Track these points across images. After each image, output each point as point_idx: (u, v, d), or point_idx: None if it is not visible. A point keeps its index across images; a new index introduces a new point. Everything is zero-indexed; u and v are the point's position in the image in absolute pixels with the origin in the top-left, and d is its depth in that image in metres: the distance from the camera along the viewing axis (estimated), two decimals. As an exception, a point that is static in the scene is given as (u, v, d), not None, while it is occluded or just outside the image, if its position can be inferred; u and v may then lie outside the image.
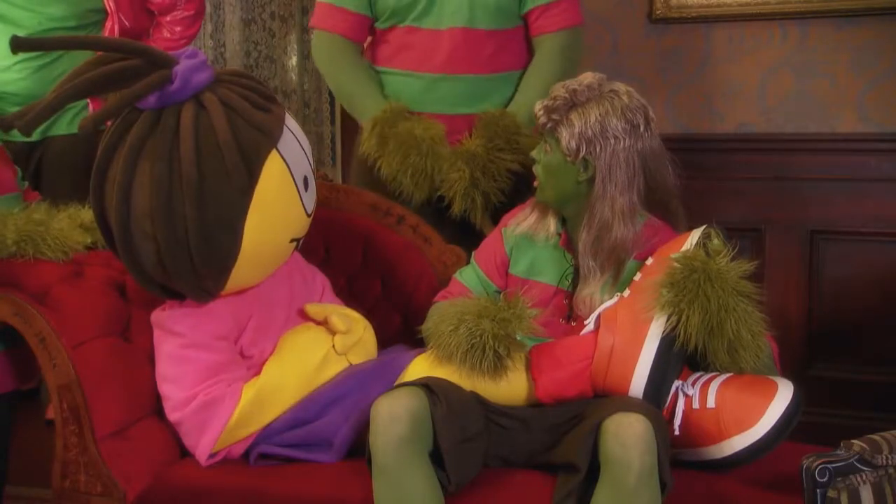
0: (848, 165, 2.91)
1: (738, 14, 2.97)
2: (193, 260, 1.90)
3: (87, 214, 2.25)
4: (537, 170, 2.01)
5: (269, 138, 1.95)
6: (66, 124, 2.81)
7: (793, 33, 2.95)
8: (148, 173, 1.88)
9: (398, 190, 2.41)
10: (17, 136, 2.38)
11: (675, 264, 1.83)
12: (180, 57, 1.96)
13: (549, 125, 1.96)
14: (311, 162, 2.12)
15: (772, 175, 2.96)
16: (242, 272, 1.98)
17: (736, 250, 1.88)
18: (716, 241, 1.88)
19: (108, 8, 2.83)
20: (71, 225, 2.20)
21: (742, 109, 3.02)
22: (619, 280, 1.97)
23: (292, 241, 2.06)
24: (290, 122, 2.07)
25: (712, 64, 3.03)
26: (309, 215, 2.08)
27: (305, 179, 2.04)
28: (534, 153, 2.03)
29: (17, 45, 1.88)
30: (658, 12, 3.02)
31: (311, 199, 2.08)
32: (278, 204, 1.97)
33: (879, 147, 2.89)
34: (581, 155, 1.93)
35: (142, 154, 1.89)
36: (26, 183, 2.44)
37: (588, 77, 1.98)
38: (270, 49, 3.54)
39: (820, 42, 2.92)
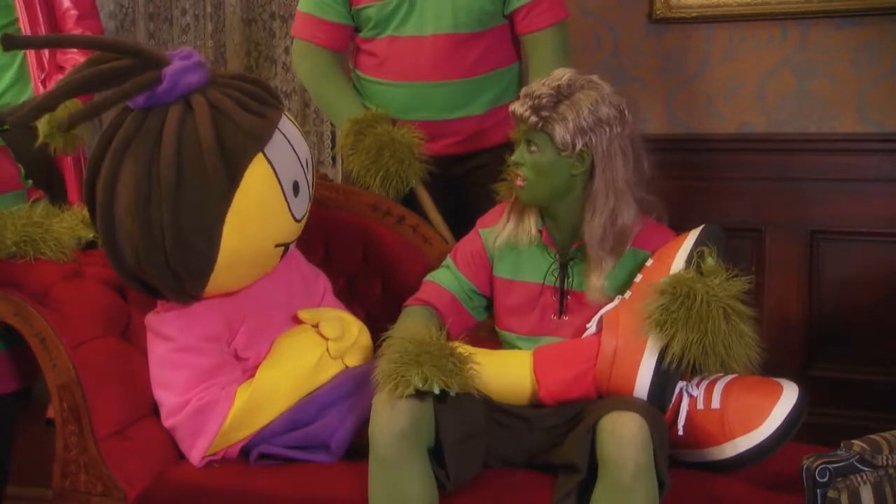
0: (848, 165, 2.90)
1: (738, 14, 2.96)
2: (169, 262, 1.91)
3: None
4: (523, 172, 1.97)
5: (256, 142, 1.94)
6: None
7: (793, 33, 2.94)
8: (130, 173, 1.88)
9: (366, 188, 2.41)
10: None
11: (666, 288, 1.82)
12: (175, 57, 1.96)
13: (539, 123, 1.92)
14: (308, 168, 2.10)
15: (772, 175, 2.96)
16: (223, 276, 1.98)
17: (731, 262, 1.87)
18: (710, 261, 1.87)
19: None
20: (72, 222, 2.20)
21: (742, 109, 3.01)
22: (616, 264, 1.96)
23: (278, 246, 2.05)
24: (288, 126, 2.05)
25: (712, 64, 3.02)
26: (298, 221, 2.07)
27: (296, 185, 2.03)
28: (515, 157, 1.99)
29: (8, 43, 1.89)
30: (658, 12, 3.01)
31: (301, 205, 2.06)
32: (261, 209, 1.96)
33: (879, 147, 2.89)
34: (578, 148, 1.92)
35: (127, 153, 1.90)
36: (30, 181, 2.44)
37: (563, 72, 1.96)
38: (270, 49, 3.53)
39: (820, 42, 2.92)
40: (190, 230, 1.89)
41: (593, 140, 1.91)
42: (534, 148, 1.95)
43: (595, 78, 1.97)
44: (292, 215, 2.03)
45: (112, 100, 1.91)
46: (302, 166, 2.06)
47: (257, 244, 2.00)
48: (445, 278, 2.13)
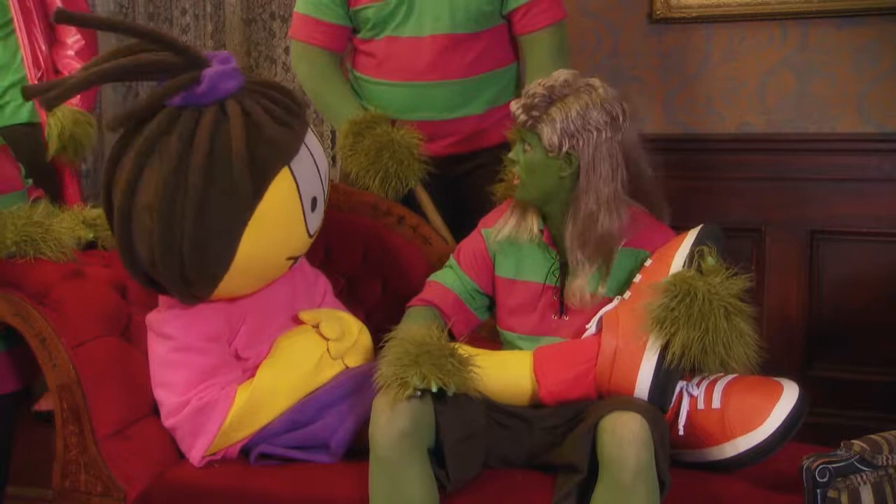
0: (848, 165, 2.90)
1: (738, 14, 2.96)
2: (184, 263, 1.91)
3: (89, 212, 2.26)
4: (517, 170, 1.98)
5: (283, 155, 1.95)
6: (27, 113, 2.81)
7: (793, 33, 2.94)
8: (157, 170, 1.89)
9: (365, 189, 2.42)
10: None
11: (667, 287, 1.82)
12: (213, 60, 1.96)
13: (529, 122, 1.94)
14: (325, 182, 2.11)
15: (772, 175, 2.96)
16: (232, 283, 1.98)
17: (731, 262, 1.87)
18: (710, 260, 1.87)
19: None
20: (72, 223, 2.20)
21: (742, 109, 3.01)
22: (610, 270, 1.97)
23: (289, 259, 2.06)
24: (312, 140, 2.06)
25: (712, 64, 3.02)
26: (311, 236, 2.08)
27: (314, 200, 2.04)
28: (511, 155, 2.01)
29: (60, 17, 1.91)
30: (658, 12, 3.02)
31: (315, 220, 2.07)
32: (280, 222, 1.97)
33: (879, 147, 2.88)
34: (564, 150, 1.92)
35: (155, 149, 1.90)
36: (31, 180, 2.44)
37: (563, 73, 1.97)
38: (270, 49, 3.54)
39: (820, 42, 2.92)
40: (210, 234, 1.89)
41: (580, 143, 1.92)
42: (527, 147, 1.96)
43: (595, 81, 1.97)
44: (307, 230, 2.04)
45: (157, 98, 1.92)
46: (321, 181, 2.07)
47: (271, 256, 2.01)
48: (448, 278, 2.13)
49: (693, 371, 1.85)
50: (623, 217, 1.96)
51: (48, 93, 1.91)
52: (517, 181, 2.00)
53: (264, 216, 1.93)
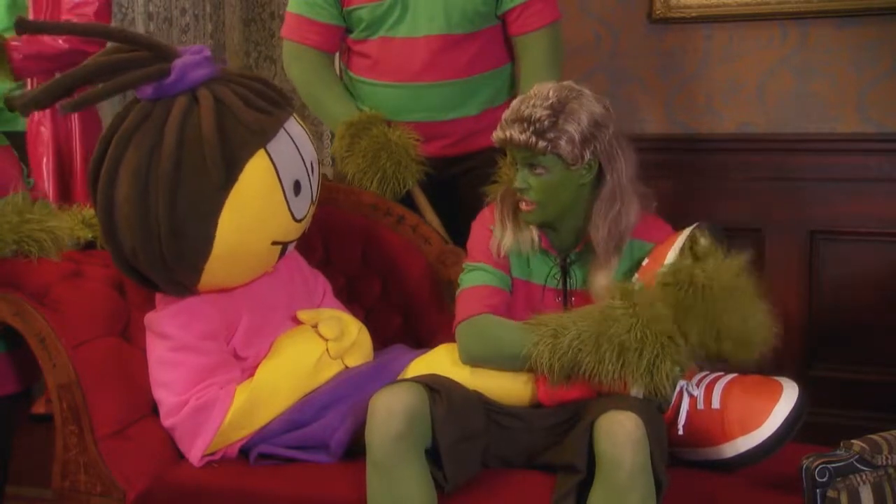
0: (848, 165, 2.91)
1: (738, 14, 2.97)
2: (163, 251, 1.92)
3: (89, 212, 2.26)
4: (530, 195, 1.94)
5: (258, 137, 1.95)
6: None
7: (793, 33, 2.95)
8: (132, 161, 1.90)
9: (364, 189, 2.41)
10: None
11: (665, 280, 1.82)
12: (185, 52, 1.97)
13: (549, 146, 1.89)
14: (314, 171, 2.10)
15: (772, 175, 2.96)
16: (218, 271, 1.98)
17: (728, 247, 1.88)
18: (703, 242, 1.87)
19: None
20: (72, 223, 2.20)
21: (742, 109, 3.02)
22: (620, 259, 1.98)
23: (275, 244, 2.05)
24: (294, 128, 2.06)
25: (712, 64, 3.02)
26: (298, 221, 2.07)
27: (297, 184, 2.03)
28: (517, 184, 1.95)
29: (21, 26, 1.92)
30: (658, 12, 3.02)
31: (301, 206, 2.06)
32: (259, 205, 1.96)
33: (879, 147, 2.89)
34: (587, 158, 1.91)
35: (131, 142, 1.92)
36: (32, 181, 2.44)
37: (545, 87, 1.94)
38: (270, 49, 3.55)
39: (820, 42, 2.92)
40: (184, 221, 1.90)
41: (598, 146, 1.92)
42: (540, 170, 1.93)
43: (572, 83, 1.97)
44: (292, 214, 2.04)
45: (119, 86, 1.93)
46: (306, 168, 2.06)
47: (253, 240, 2.00)
48: (488, 279, 2.04)
49: (716, 359, 1.84)
50: (638, 206, 1.97)
51: (20, 99, 1.94)
52: (530, 207, 1.95)
53: (241, 198, 1.93)
